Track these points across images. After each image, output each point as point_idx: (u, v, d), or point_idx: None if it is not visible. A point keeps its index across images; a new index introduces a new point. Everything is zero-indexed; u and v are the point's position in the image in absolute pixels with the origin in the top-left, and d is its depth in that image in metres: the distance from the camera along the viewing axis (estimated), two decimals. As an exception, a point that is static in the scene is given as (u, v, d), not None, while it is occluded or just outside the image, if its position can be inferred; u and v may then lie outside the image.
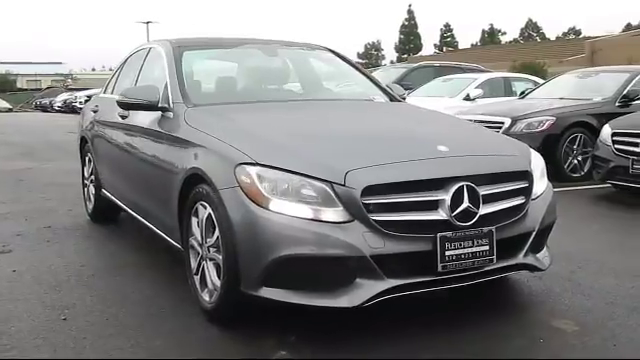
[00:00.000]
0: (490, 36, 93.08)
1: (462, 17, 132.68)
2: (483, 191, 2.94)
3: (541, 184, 3.32)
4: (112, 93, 5.35)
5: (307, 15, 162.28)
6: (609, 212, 6.19)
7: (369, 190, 2.76)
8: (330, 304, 2.77)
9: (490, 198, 2.98)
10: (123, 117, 4.46)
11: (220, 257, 2.99)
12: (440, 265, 2.83)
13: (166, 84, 3.97)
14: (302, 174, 2.81)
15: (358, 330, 3.03)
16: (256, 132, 3.25)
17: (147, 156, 3.92)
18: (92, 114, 5.40)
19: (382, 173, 2.83)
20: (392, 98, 4.45)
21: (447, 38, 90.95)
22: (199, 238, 3.23)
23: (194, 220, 3.29)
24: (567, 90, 9.29)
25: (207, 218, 3.11)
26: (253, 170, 2.87)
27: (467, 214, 2.88)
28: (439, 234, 2.82)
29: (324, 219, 2.75)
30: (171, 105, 3.79)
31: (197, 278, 3.27)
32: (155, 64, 4.54)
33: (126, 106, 3.94)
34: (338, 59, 4.80)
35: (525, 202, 3.14)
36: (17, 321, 3.25)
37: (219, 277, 3.04)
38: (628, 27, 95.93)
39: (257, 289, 2.82)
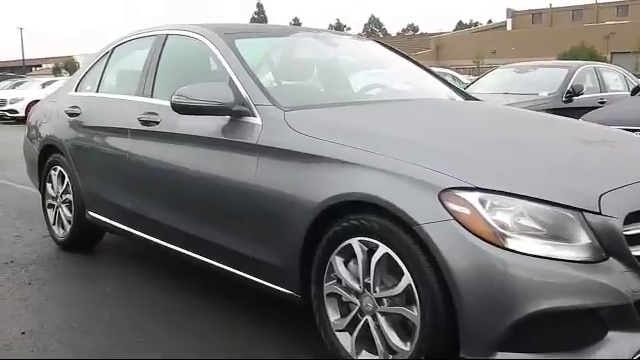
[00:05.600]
0: (337, 31, 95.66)
1: (310, 12, 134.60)
2: None
3: None
4: (97, 91, 4.28)
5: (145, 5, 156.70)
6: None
7: (628, 218, 2.17)
8: (588, 366, 2.14)
9: None
10: (148, 123, 3.49)
11: (414, 312, 2.25)
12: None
13: (230, 81, 3.10)
14: (541, 200, 2.15)
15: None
16: (431, 144, 2.51)
17: (218, 176, 3.02)
18: (68, 117, 4.28)
19: (637, 196, 2.25)
20: (467, 97, 3.86)
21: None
22: (353, 284, 2.45)
23: (338, 260, 2.51)
24: (507, 85, 9.21)
25: (380, 261, 2.35)
26: (473, 197, 2.17)
27: None
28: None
29: (577, 259, 2.12)
30: (253, 109, 2.94)
31: (348, 337, 2.49)
32: (189, 55, 3.64)
33: (188, 110, 3.01)
34: (389, 51, 4.11)
35: None
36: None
37: (402, 337, 2.32)
38: (460, 24, 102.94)
39: (489, 354, 2.13)
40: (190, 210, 3.25)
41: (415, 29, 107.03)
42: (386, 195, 2.30)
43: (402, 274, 2.28)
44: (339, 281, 2.52)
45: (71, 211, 4.31)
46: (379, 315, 2.38)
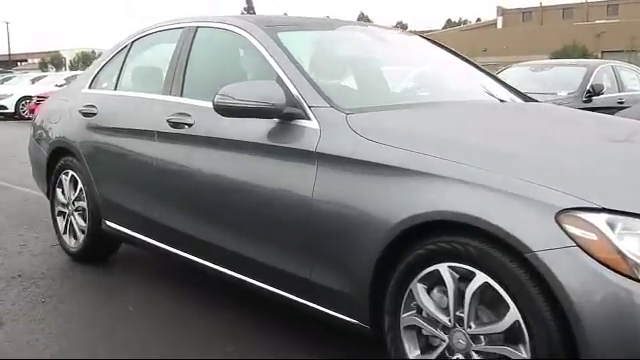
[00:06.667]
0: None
1: (299, 8, 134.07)
2: None
3: None
4: (115, 89, 3.90)
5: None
6: None
7: None
8: None
9: None
10: (179, 125, 3.12)
11: (522, 353, 1.92)
12: None
13: (278, 79, 2.74)
14: None
15: None
16: (532, 155, 2.17)
17: (266, 186, 2.66)
18: (82, 117, 3.90)
19: None
20: (525, 97, 3.52)
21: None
22: (440, 317, 2.12)
23: (420, 288, 2.17)
24: (523, 84, 8.82)
25: (477, 291, 2.01)
26: (599, 220, 1.83)
27: None
28: None
29: None
30: (307, 111, 2.59)
31: (433, 376, 2.16)
32: (224, 50, 3.29)
33: (233, 111, 2.65)
34: (440, 47, 3.76)
35: None
36: None
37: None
38: (449, 22, 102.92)
39: (621, 406, 1.80)
40: (231, 224, 2.89)
41: (404, 27, 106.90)
42: (489, 216, 1.95)
43: (507, 308, 1.94)
44: (419, 311, 2.18)
45: (85, 220, 3.93)
46: (474, 354, 2.04)
